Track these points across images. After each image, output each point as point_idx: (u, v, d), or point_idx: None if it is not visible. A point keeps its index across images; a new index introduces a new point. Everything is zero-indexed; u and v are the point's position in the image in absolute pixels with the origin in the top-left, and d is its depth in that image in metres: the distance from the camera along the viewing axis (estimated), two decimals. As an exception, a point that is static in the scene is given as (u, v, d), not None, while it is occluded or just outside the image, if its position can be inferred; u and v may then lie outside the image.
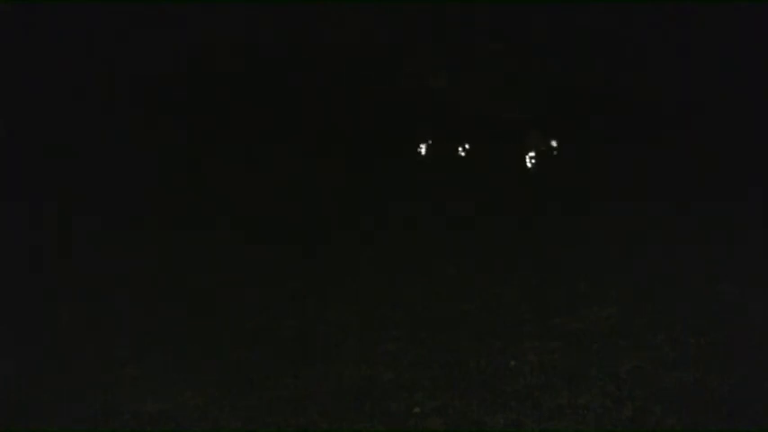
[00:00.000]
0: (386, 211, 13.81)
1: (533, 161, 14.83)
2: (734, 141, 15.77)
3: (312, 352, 7.12)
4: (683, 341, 7.29)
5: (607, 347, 7.15)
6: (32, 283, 9.23)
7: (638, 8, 15.36)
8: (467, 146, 14.30)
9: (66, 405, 6.04)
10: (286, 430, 5.69)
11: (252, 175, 14.57)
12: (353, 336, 7.52)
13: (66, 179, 13.75)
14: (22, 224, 11.91)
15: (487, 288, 9.11)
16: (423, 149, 15.72)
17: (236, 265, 10.29)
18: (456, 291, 9.03)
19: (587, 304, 8.42)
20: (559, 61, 15.41)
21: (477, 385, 6.36)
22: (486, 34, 14.85)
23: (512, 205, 13.94)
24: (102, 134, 14.82)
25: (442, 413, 5.87)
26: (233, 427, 5.73)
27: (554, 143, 15.35)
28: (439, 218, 13.40)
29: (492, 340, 7.37)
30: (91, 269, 9.85)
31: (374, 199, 14.14)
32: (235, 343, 7.37)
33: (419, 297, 8.77)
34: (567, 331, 7.58)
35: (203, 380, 6.49)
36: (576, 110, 15.62)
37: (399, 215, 13.39)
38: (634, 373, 6.58)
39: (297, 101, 14.94)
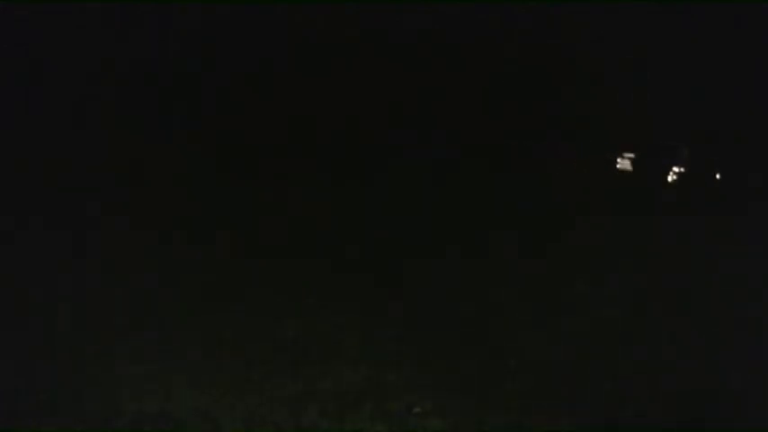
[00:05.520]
0: (385, 211, 13.82)
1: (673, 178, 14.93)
2: (736, 142, 15.77)
3: (312, 352, 7.12)
4: (682, 341, 7.30)
5: (607, 347, 7.16)
6: (32, 283, 9.23)
7: None
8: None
9: (66, 405, 6.04)
10: (286, 430, 5.69)
11: (253, 175, 14.57)
12: (353, 336, 7.52)
13: (67, 179, 13.76)
14: (22, 224, 11.91)
15: (487, 288, 9.12)
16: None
17: (236, 264, 10.28)
18: (456, 291, 9.04)
19: (587, 304, 8.43)
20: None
21: (477, 385, 6.37)
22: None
23: (521, 209, 13.99)
24: (102, 134, 14.82)
25: (441, 413, 5.88)
26: (233, 428, 5.73)
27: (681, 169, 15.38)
28: (439, 218, 13.41)
29: (492, 340, 7.38)
30: (91, 269, 9.85)
31: (374, 200, 14.15)
32: (235, 343, 7.37)
33: (419, 297, 8.78)
34: (567, 331, 7.59)
35: (203, 380, 6.49)
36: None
37: (399, 216, 13.40)
38: (634, 372, 6.59)
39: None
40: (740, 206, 13.72)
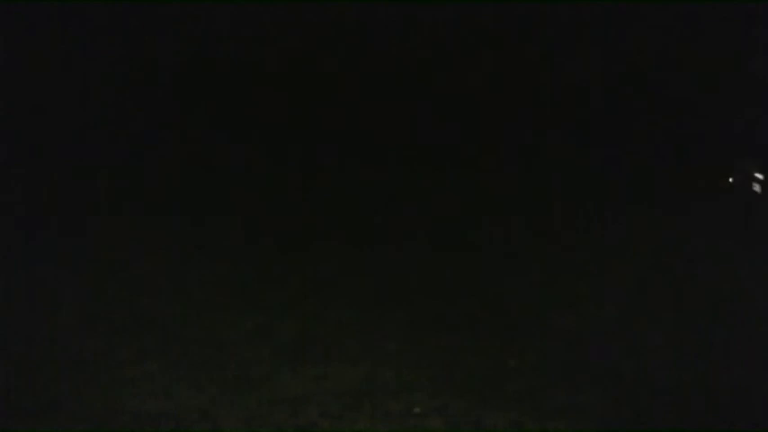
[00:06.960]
0: (384, 211, 13.83)
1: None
2: (734, 142, 15.78)
3: (312, 352, 7.12)
4: (683, 341, 7.30)
5: (607, 347, 7.16)
6: (32, 283, 9.23)
7: None
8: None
9: (66, 405, 6.04)
10: (286, 430, 5.69)
11: (253, 174, 14.57)
12: (353, 336, 7.52)
13: (65, 178, 13.75)
14: (21, 223, 11.92)
15: (488, 288, 9.12)
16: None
17: (235, 264, 10.29)
18: (456, 291, 9.04)
19: (587, 304, 8.43)
20: None
21: (477, 385, 6.37)
22: None
23: (519, 207, 13.97)
24: (101, 133, 14.82)
25: (441, 413, 5.88)
26: (233, 427, 5.73)
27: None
28: (438, 218, 13.41)
29: (492, 340, 7.39)
30: (90, 268, 9.86)
31: (374, 199, 14.15)
32: (235, 343, 7.37)
33: (419, 297, 8.78)
34: (567, 331, 7.60)
35: (203, 380, 6.49)
36: None
37: (398, 215, 13.41)
38: (634, 372, 6.59)
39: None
40: (746, 205, 13.72)
